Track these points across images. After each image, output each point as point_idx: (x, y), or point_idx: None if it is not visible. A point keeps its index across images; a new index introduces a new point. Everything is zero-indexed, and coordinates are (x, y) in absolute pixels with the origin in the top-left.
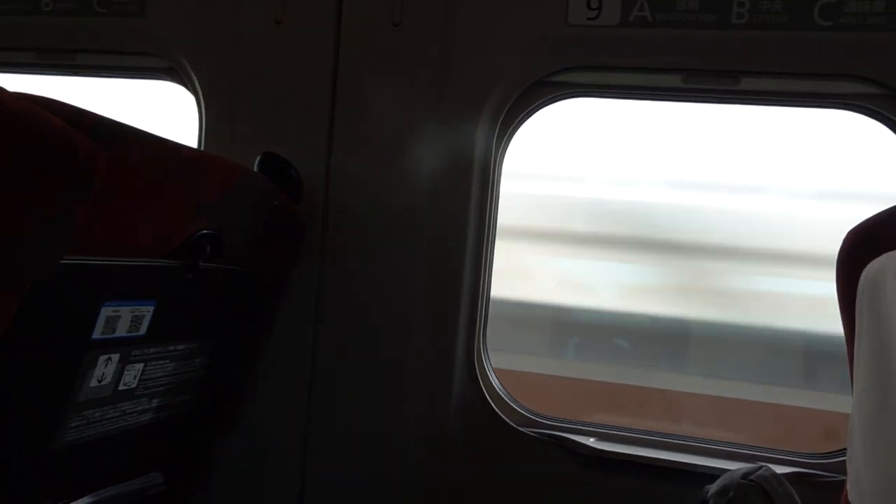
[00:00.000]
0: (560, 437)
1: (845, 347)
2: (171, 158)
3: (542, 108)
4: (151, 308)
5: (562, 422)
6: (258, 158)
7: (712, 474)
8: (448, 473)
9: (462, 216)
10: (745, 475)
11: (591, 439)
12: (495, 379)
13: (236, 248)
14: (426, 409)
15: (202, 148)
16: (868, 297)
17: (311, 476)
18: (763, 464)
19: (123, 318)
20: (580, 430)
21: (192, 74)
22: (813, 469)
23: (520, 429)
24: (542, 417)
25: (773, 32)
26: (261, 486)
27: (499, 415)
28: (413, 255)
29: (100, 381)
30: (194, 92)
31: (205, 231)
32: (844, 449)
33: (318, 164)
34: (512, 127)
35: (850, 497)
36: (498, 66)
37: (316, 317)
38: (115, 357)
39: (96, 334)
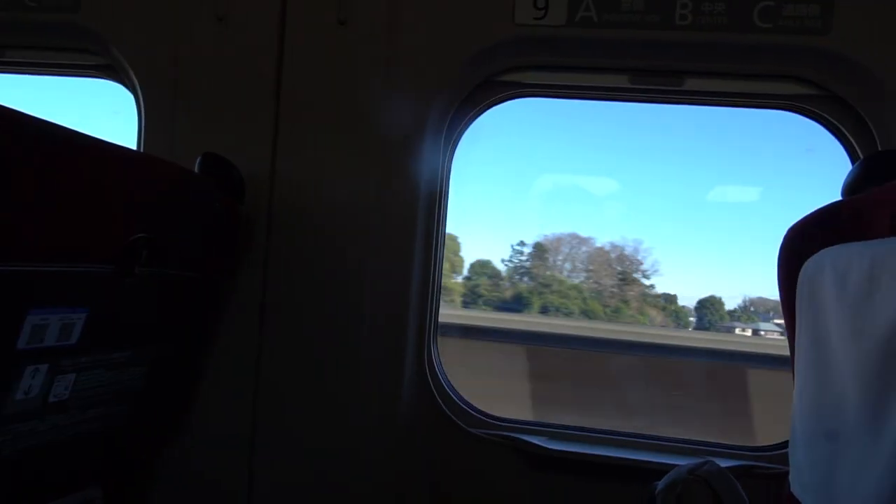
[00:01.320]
0: (511, 437)
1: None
2: (103, 159)
3: (490, 107)
4: (83, 315)
5: (513, 422)
6: (199, 159)
7: (661, 470)
8: (399, 476)
9: (410, 215)
10: (692, 470)
11: (542, 439)
12: (446, 380)
13: (176, 252)
14: (376, 413)
15: (141, 148)
16: (807, 293)
17: (259, 485)
18: (709, 458)
19: (52, 326)
20: (531, 429)
21: (130, 72)
22: (758, 462)
23: (471, 430)
24: (493, 418)
25: (716, 34)
26: (208, 497)
27: (450, 417)
28: (360, 255)
29: (26, 394)
30: (133, 90)
31: (141, 235)
32: (787, 441)
33: (263, 165)
34: (460, 127)
35: (793, 487)
36: (445, 66)
37: (261, 321)
38: (44, 368)
39: (21, 344)
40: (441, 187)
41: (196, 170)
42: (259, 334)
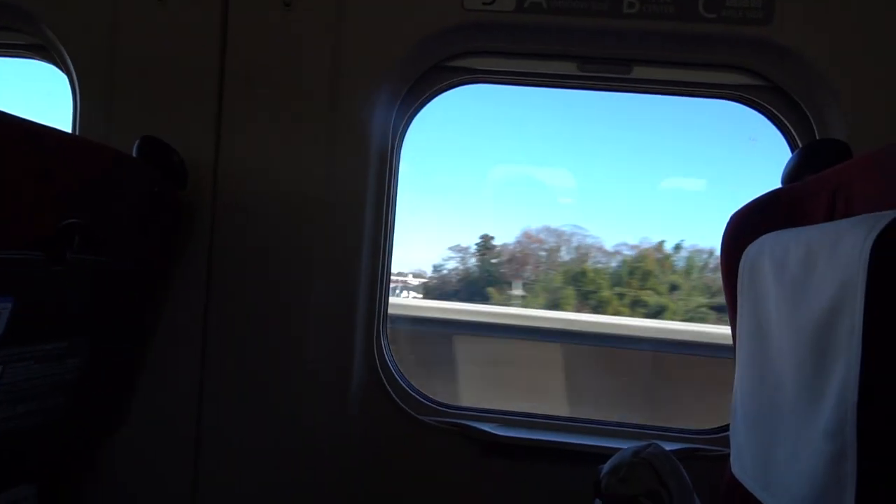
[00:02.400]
0: (461, 424)
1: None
2: (29, 141)
3: (440, 93)
4: (9, 305)
5: (462, 409)
6: (136, 143)
7: (607, 454)
8: (349, 466)
9: (359, 202)
10: (636, 453)
11: (492, 426)
12: (396, 369)
13: (112, 240)
14: (325, 402)
15: (76, 132)
16: (747, 279)
17: (204, 480)
18: (653, 441)
19: None
20: (481, 416)
21: (64, 53)
22: (700, 444)
23: (421, 418)
24: (443, 406)
25: (662, 23)
26: (150, 492)
27: (400, 405)
28: (309, 242)
29: None
30: (67, 72)
31: (73, 221)
32: (728, 425)
33: (206, 150)
34: (411, 111)
35: (733, 469)
36: (393, 50)
37: (206, 309)
38: None
39: None
40: (390, 174)
41: (134, 154)
42: (203, 325)
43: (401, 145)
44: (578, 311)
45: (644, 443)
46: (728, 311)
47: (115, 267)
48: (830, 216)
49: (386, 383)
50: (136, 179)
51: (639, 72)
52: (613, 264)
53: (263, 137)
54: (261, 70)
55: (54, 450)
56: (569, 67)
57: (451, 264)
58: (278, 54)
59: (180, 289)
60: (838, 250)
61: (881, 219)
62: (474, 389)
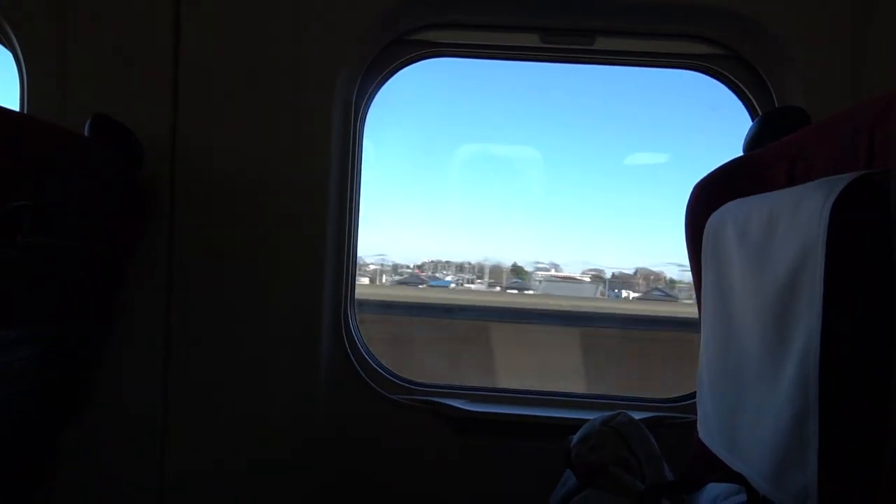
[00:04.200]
0: (432, 401)
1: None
2: None
3: (402, 67)
4: None
5: (432, 386)
6: (89, 121)
7: (577, 425)
8: (321, 448)
9: (322, 180)
10: (605, 422)
11: (462, 402)
12: (365, 348)
13: (65, 222)
14: (295, 385)
15: (25, 111)
16: (711, 247)
17: (171, 464)
18: (621, 411)
19: None
20: (451, 393)
21: (8, 28)
22: (668, 412)
23: (391, 396)
24: (413, 384)
25: None
26: (117, 480)
27: (370, 384)
28: (272, 221)
29: None
30: (11, 48)
31: (22, 202)
32: (695, 392)
33: (162, 128)
34: (373, 87)
35: (701, 435)
36: (353, 24)
37: (168, 292)
38: None
39: None
40: (354, 150)
41: (86, 133)
42: (166, 310)
43: (363, 123)
44: None
45: (613, 412)
46: (693, 279)
47: (70, 251)
48: (791, 182)
49: (356, 364)
50: (90, 159)
51: (602, 43)
52: None
53: (221, 117)
54: (216, 45)
55: (10, 442)
56: (531, 39)
57: None
58: (235, 29)
59: (142, 273)
60: (798, 214)
61: (839, 182)
62: None
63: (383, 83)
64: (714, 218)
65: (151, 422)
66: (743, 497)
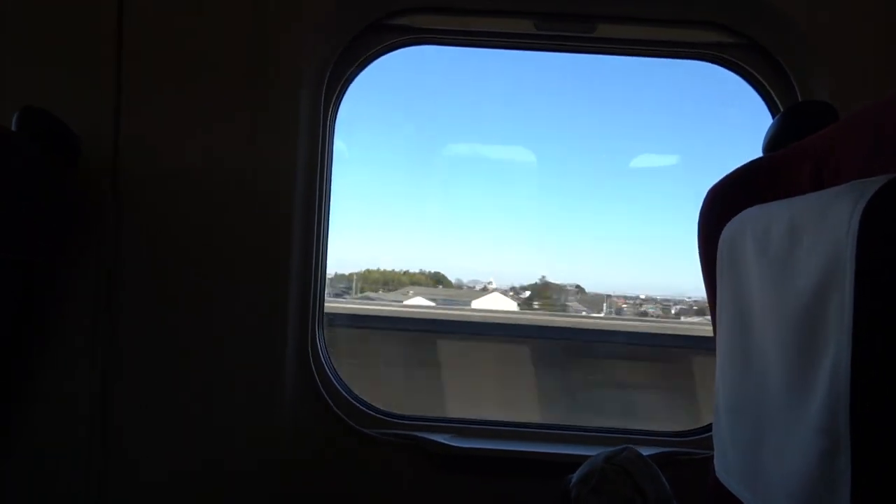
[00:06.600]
0: (412, 436)
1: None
2: None
3: (379, 55)
4: None
5: (411, 419)
6: (17, 114)
7: (578, 462)
8: (283, 486)
9: (288, 184)
10: (608, 459)
11: (446, 437)
12: (335, 374)
13: None
14: (252, 415)
15: None
16: (727, 259)
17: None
18: (627, 445)
19: None
20: (433, 426)
21: None
22: (680, 447)
23: (365, 431)
24: (390, 416)
25: None
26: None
27: (340, 416)
28: (229, 228)
29: None
30: None
31: None
32: (710, 425)
33: (104, 123)
34: (345, 77)
35: (717, 471)
36: (324, 4)
37: (108, 307)
38: None
39: None
40: (323, 148)
41: (13, 127)
42: (108, 326)
43: (334, 118)
44: None
45: (618, 447)
46: (707, 296)
47: None
48: (817, 186)
49: (324, 392)
50: (16, 155)
51: (603, 30)
52: None
53: (172, 111)
54: (165, 31)
55: None
56: (525, 26)
57: None
58: (186, 12)
59: (79, 284)
60: (825, 222)
61: (870, 185)
62: None
63: (359, 71)
64: (730, 227)
65: (85, 460)
66: None
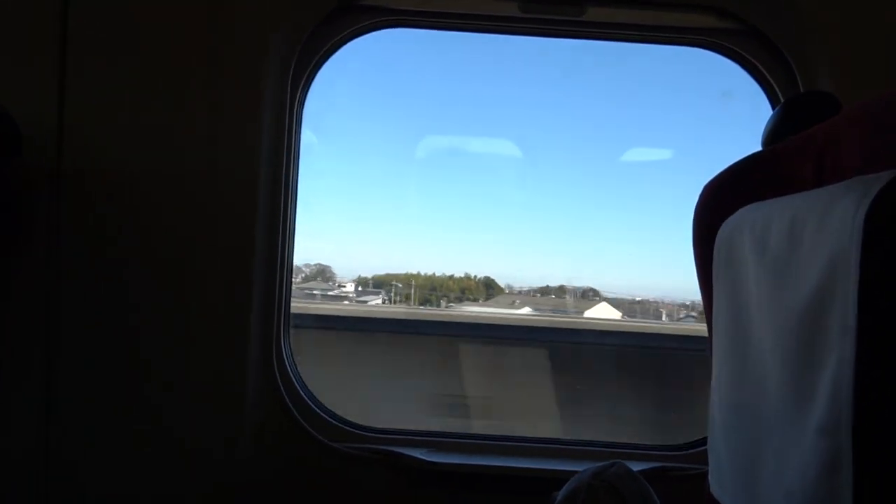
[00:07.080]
0: (385, 451)
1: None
2: None
3: (351, 38)
4: None
5: (385, 433)
6: None
7: (564, 478)
8: None
9: (251, 177)
10: (596, 474)
11: (423, 451)
12: (302, 384)
13: None
14: (210, 427)
15: None
16: (724, 259)
17: None
18: (616, 461)
19: None
20: (408, 440)
21: None
22: (673, 462)
23: (334, 445)
24: (361, 429)
25: None
26: None
27: (308, 430)
28: (185, 225)
29: None
30: None
31: None
32: (705, 438)
33: (46, 113)
34: (314, 62)
35: (712, 487)
36: None
37: (50, 314)
38: None
39: None
40: (289, 142)
41: None
42: (47, 332)
43: (302, 106)
44: None
45: (606, 462)
46: (702, 298)
47: None
48: (819, 182)
49: (289, 403)
50: None
51: (593, 13)
52: None
53: (122, 98)
54: (114, 11)
55: None
56: (509, 8)
57: None
58: None
59: (17, 285)
60: (827, 221)
61: (876, 181)
62: None
63: (329, 55)
64: (727, 225)
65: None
66: None
